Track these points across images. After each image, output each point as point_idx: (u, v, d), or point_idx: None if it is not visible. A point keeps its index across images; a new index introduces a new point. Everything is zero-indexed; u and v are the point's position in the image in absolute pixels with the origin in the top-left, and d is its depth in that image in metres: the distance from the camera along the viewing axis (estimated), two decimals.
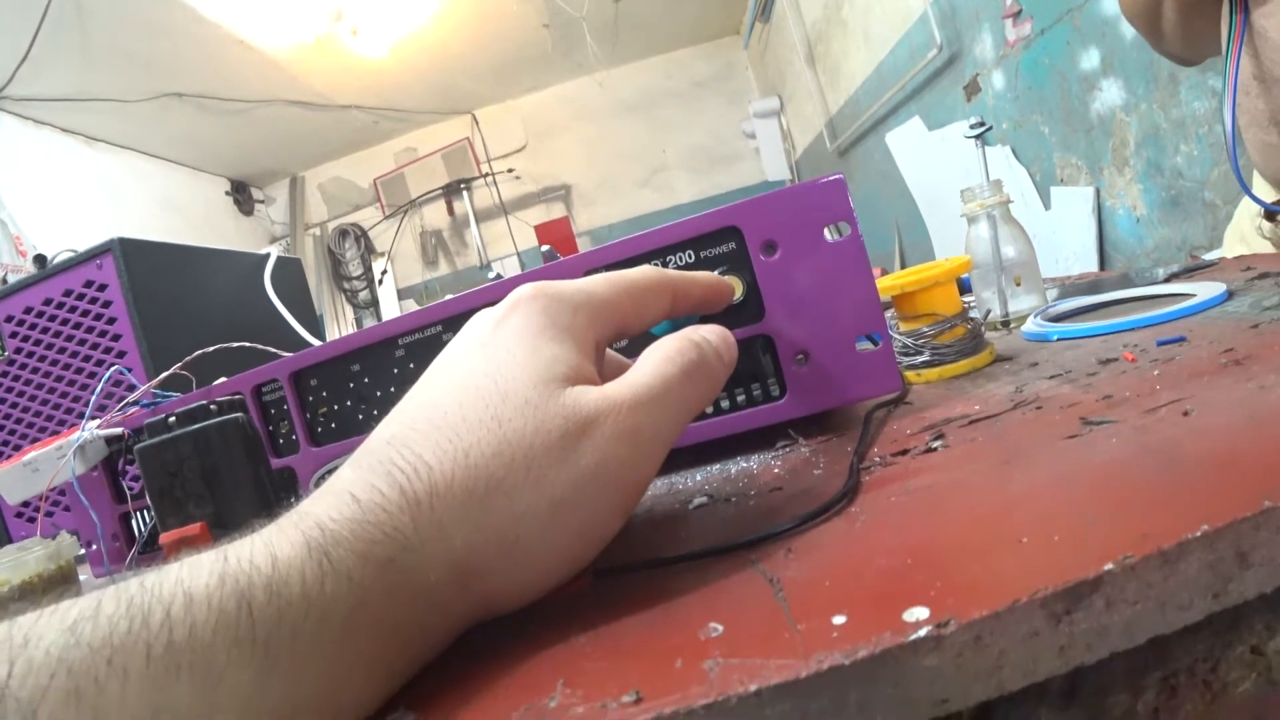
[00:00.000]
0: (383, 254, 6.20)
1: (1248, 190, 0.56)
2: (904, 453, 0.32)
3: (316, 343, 0.86)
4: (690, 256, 0.38)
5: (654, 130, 6.05)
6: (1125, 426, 0.27)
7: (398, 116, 5.66)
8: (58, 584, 0.49)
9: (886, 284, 0.45)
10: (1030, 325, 0.52)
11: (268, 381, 0.51)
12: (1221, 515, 0.18)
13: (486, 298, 0.42)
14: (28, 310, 0.98)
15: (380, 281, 6.10)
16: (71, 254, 1.07)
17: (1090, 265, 2.26)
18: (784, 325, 0.37)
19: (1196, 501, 0.19)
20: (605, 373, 0.29)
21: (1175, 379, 0.31)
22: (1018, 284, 0.57)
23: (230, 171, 5.83)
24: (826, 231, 0.36)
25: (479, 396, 0.26)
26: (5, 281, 3.55)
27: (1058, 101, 2.30)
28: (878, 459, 0.32)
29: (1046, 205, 2.45)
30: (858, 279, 0.36)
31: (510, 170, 6.06)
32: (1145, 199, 2.05)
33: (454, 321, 0.44)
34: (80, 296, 0.96)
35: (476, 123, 6.05)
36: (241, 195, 6.00)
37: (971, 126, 0.59)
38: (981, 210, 0.57)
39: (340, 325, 6.02)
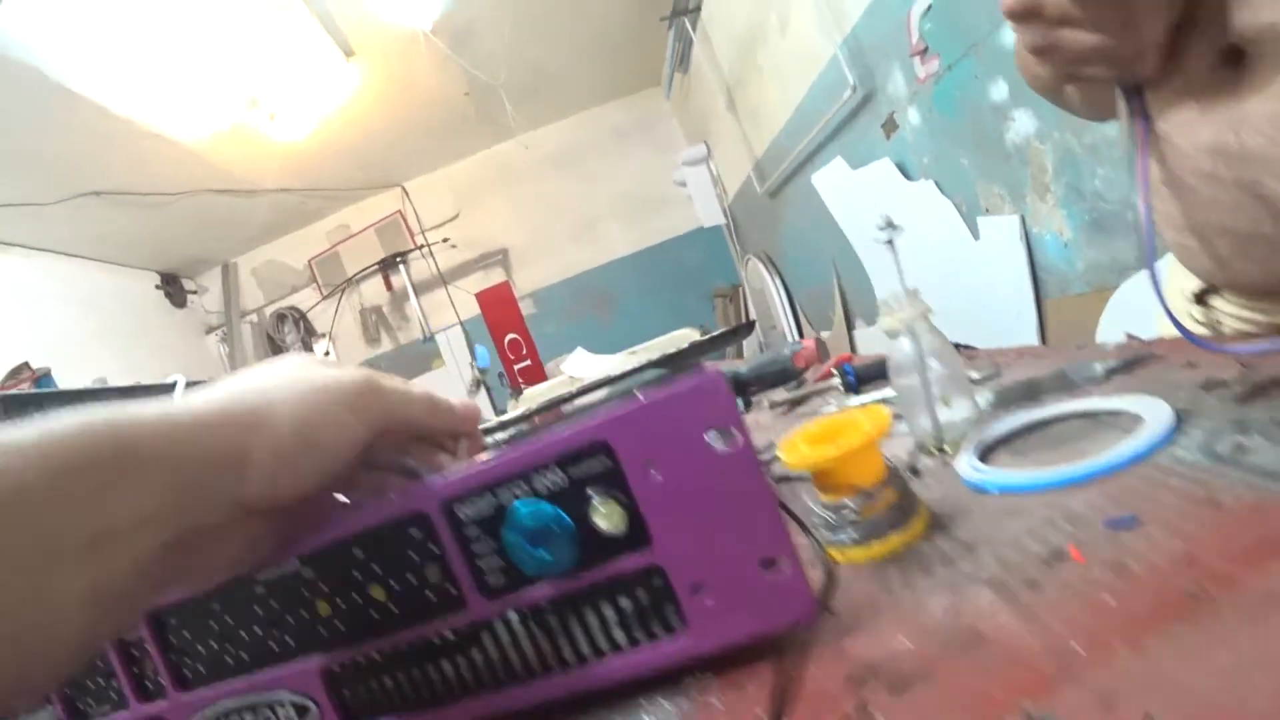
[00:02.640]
0: (323, 335, 6.07)
1: (1162, 301, 0.53)
2: None
3: None
4: (561, 479, 0.32)
5: (584, 185, 6.06)
6: None
7: (326, 195, 5.59)
8: None
9: (799, 460, 0.40)
10: (966, 466, 0.47)
11: None
12: None
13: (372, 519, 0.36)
14: None
15: None
16: None
17: (1024, 290, 2.27)
18: (674, 552, 0.32)
19: None
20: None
21: (1132, 621, 0.26)
22: (946, 404, 0.53)
23: (159, 264, 5.68)
24: (712, 439, 0.31)
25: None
26: None
27: (973, 133, 2.33)
28: None
29: (975, 235, 2.47)
30: (752, 493, 0.31)
31: (445, 239, 6.00)
32: (1070, 223, 2.07)
33: (312, 558, 0.37)
34: None
35: (407, 194, 6.00)
36: (173, 287, 5.84)
37: (880, 229, 0.54)
38: (901, 325, 0.53)
39: None
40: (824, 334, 4.20)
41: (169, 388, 1.12)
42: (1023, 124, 2.09)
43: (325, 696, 0.37)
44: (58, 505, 0.27)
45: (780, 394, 1.06)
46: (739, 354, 5.00)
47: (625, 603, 0.33)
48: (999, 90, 2.12)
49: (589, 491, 0.32)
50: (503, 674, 0.35)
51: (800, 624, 0.33)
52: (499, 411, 3.87)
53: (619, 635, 0.33)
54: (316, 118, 4.43)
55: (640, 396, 0.31)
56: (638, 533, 0.32)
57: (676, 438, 0.31)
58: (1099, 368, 0.57)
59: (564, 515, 0.32)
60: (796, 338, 4.59)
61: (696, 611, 0.32)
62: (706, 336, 2.80)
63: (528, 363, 5.48)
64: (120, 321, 5.09)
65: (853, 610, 0.35)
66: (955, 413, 0.54)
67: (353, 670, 0.37)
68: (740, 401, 1.15)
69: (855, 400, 0.83)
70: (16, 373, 3.85)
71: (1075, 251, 2.09)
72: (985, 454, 0.50)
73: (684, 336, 3.25)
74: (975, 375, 0.70)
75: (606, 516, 0.32)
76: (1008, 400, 0.60)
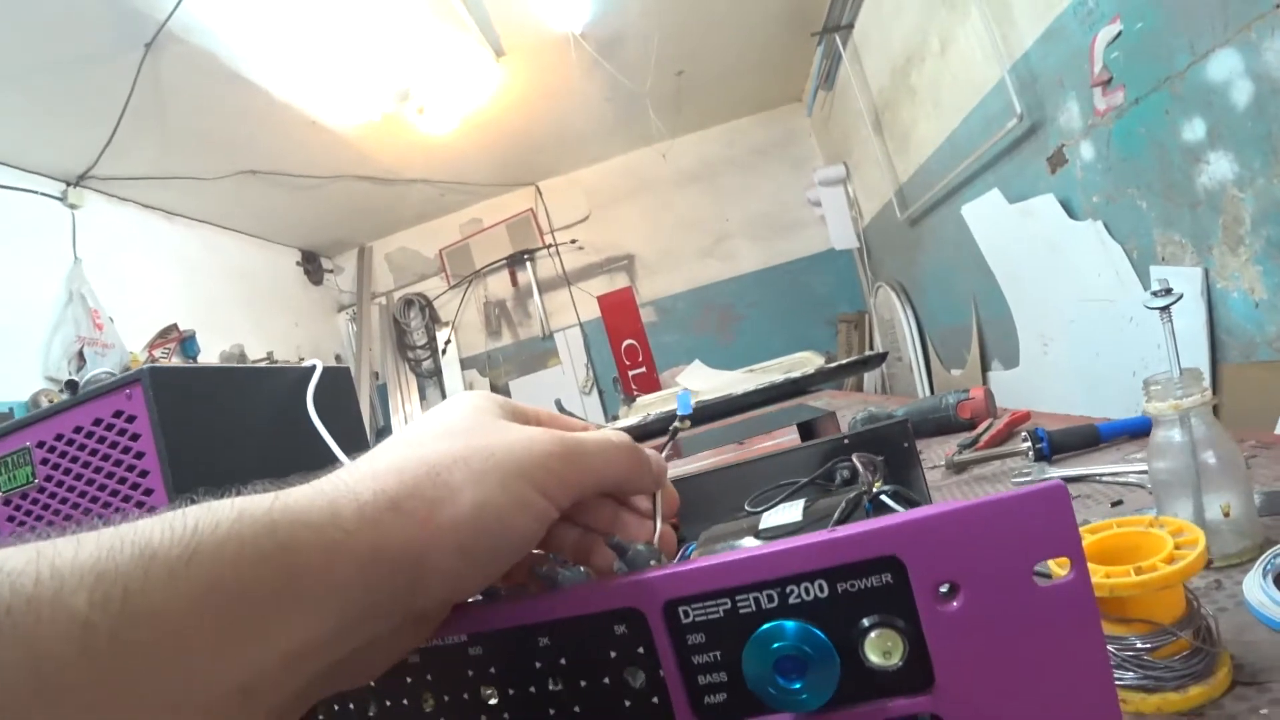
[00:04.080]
0: (447, 324, 6.23)
1: None
2: None
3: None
4: (822, 589, 0.26)
5: (716, 199, 6.00)
6: None
7: (463, 189, 5.74)
8: None
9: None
10: (1260, 594, 0.38)
11: None
12: None
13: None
14: (59, 437, 0.92)
15: (444, 351, 6.11)
16: (108, 376, 1.01)
17: (1200, 352, 2.06)
18: (963, 704, 0.25)
19: None
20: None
21: None
22: (1226, 514, 0.43)
23: (301, 242, 5.97)
24: (1040, 569, 0.24)
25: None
26: (82, 356, 3.64)
27: (1156, 174, 2.13)
28: None
29: (1145, 285, 2.26)
30: (1079, 643, 0.24)
31: (573, 241, 6.06)
32: (1265, 281, 1.86)
33: (485, 638, 0.32)
34: (109, 427, 0.90)
35: (540, 194, 6.09)
36: (311, 265, 6.13)
37: (1154, 294, 0.45)
38: (1175, 414, 0.44)
39: (404, 395, 6.03)
40: (955, 372, 3.99)
41: (307, 371, 1.12)
42: (1219, 168, 1.90)
43: None
44: (208, 646, 0.21)
45: (946, 446, 0.96)
46: (858, 385, 4.83)
47: None
48: (1194, 129, 1.93)
49: (860, 614, 0.25)
50: None
51: None
52: (610, 418, 3.86)
53: None
54: (462, 114, 4.54)
55: (946, 505, 0.24)
56: (919, 670, 0.25)
57: (991, 561, 0.24)
58: None
59: (826, 641, 0.25)
60: (925, 373, 4.38)
61: None
62: (833, 364, 2.70)
63: (643, 370, 5.46)
64: (262, 293, 5.37)
65: None
66: (1228, 519, 0.45)
67: None
68: None
69: (1052, 472, 0.73)
70: (166, 333, 4.11)
71: (1267, 314, 1.88)
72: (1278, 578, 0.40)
73: (806, 360, 3.14)
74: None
75: (882, 649, 0.25)
76: (1278, 507, 0.50)
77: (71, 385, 1.41)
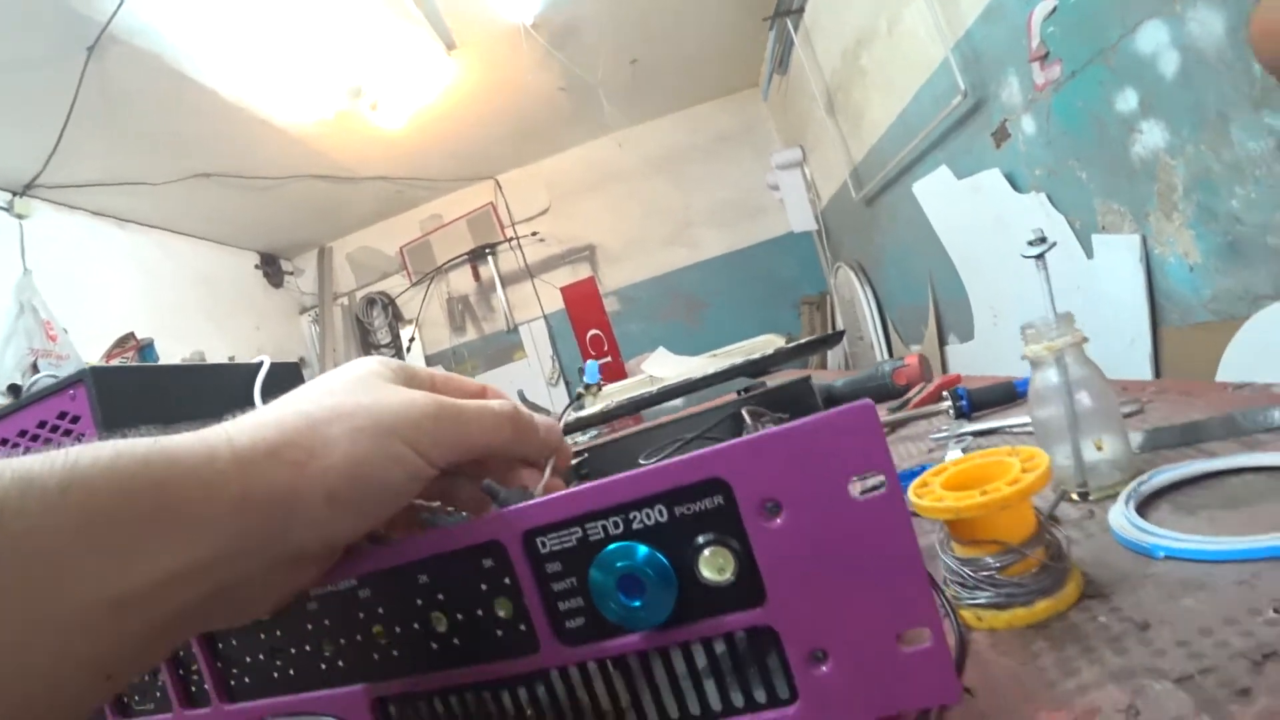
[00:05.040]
0: (410, 321, 6.19)
1: None
2: None
3: None
4: (662, 517, 0.27)
5: (677, 186, 6.01)
6: None
7: (421, 185, 5.70)
8: None
9: (937, 507, 0.34)
10: (1121, 519, 0.40)
11: None
12: None
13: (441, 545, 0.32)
14: (3, 442, 0.92)
15: (408, 349, 6.08)
16: (53, 380, 1.00)
17: (1140, 318, 2.12)
18: (793, 614, 0.27)
19: None
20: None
21: None
22: (1099, 449, 0.46)
23: (259, 245, 5.90)
24: (853, 484, 0.26)
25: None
26: (36, 368, 3.57)
27: (1095, 145, 2.18)
28: None
29: (1089, 254, 2.32)
30: (897, 551, 0.25)
31: (534, 233, 6.05)
32: (1199, 245, 1.91)
33: (371, 579, 0.34)
34: (54, 429, 0.90)
35: (499, 187, 6.07)
36: (271, 268, 6.05)
37: (1030, 244, 0.48)
38: (1050, 354, 0.46)
39: None
40: (914, 348, 4.05)
41: (255, 368, 1.12)
42: (1152, 137, 1.95)
43: None
44: (79, 564, 0.23)
45: (880, 411, 0.99)
46: (822, 364, 4.88)
47: (727, 665, 0.28)
48: (1127, 100, 1.98)
49: (696, 535, 0.27)
50: None
51: (936, 708, 0.27)
52: (576, 407, 3.86)
53: (714, 701, 0.28)
54: (416, 109, 4.51)
55: (767, 426, 0.26)
56: (750, 587, 0.27)
57: (809, 478, 0.26)
58: (1278, 415, 0.49)
59: (664, 560, 0.27)
60: (885, 350, 4.44)
61: (812, 683, 0.27)
62: (792, 344, 2.73)
63: (608, 359, 5.46)
64: (221, 298, 5.30)
65: (993, 691, 0.30)
66: (1104, 455, 0.47)
67: (405, 703, 0.34)
68: None
69: (969, 428, 0.76)
70: (123, 342, 4.05)
71: (1202, 277, 1.93)
72: (1141, 507, 0.43)
73: (768, 342, 3.16)
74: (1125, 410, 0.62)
75: (715, 565, 0.27)
76: (1159, 443, 0.52)
77: (14, 389, 1.40)
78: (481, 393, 0.41)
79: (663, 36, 4.60)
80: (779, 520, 0.26)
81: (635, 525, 0.28)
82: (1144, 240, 2.10)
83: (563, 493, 0.29)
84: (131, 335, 4.11)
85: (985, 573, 0.35)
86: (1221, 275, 1.87)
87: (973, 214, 2.92)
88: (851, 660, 0.26)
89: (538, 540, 0.29)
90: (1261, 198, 1.70)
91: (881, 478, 0.25)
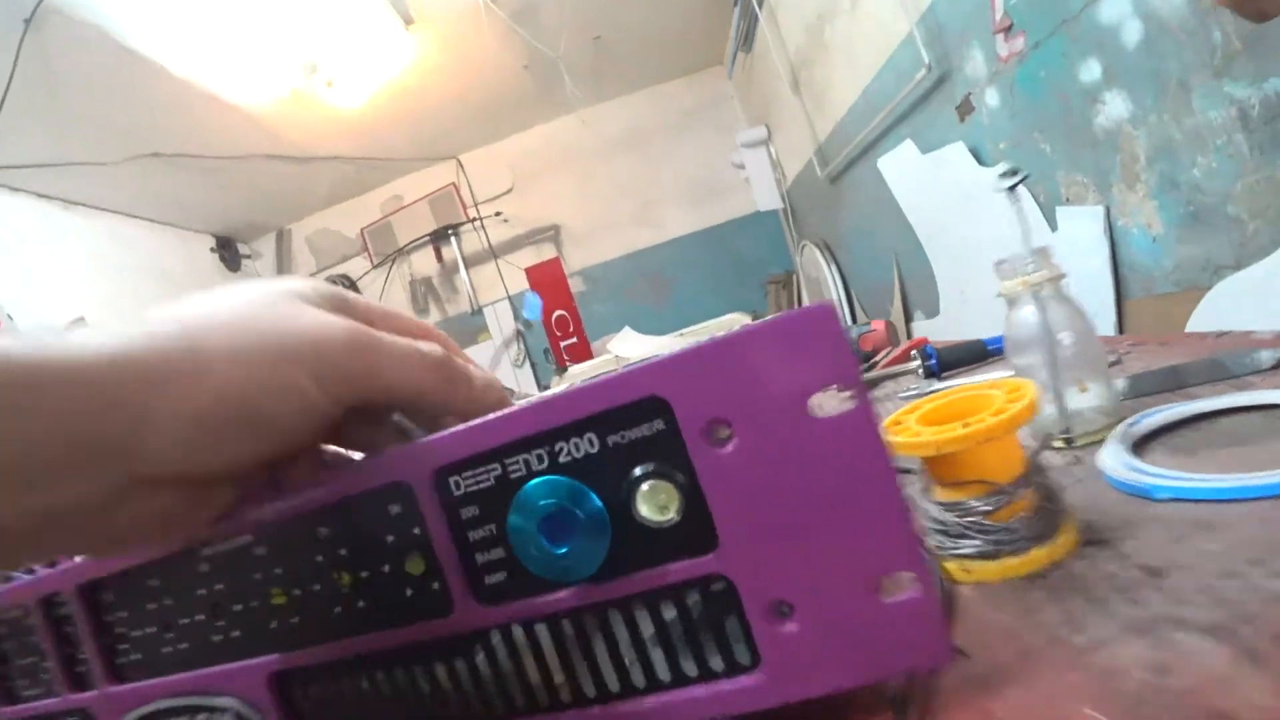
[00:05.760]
0: None
1: None
2: None
3: None
4: (593, 447, 0.23)
5: (643, 165, 5.95)
6: None
7: (381, 165, 5.58)
8: None
9: (913, 443, 0.30)
10: (1113, 461, 0.36)
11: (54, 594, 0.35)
12: None
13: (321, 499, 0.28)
14: None
15: None
16: None
17: (1105, 289, 2.11)
18: (750, 559, 0.22)
19: None
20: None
21: None
22: (1082, 390, 0.42)
23: (215, 228, 5.73)
24: (815, 400, 0.21)
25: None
26: None
27: (1059, 117, 2.17)
28: None
29: (1053, 226, 2.31)
30: (870, 480, 0.21)
31: (498, 213, 5.95)
32: (1161, 216, 1.91)
33: (267, 533, 0.29)
34: None
35: (461, 167, 5.96)
36: (228, 252, 5.90)
37: (1001, 175, 0.44)
38: (1026, 290, 0.42)
39: None
40: None
41: None
42: (1114, 107, 1.93)
43: (274, 705, 0.29)
44: None
45: None
46: None
47: (674, 625, 0.24)
48: (1090, 70, 1.96)
49: (632, 467, 0.23)
50: (499, 704, 0.26)
51: (924, 671, 0.23)
52: (542, 389, 3.81)
53: (661, 670, 0.24)
54: (374, 86, 4.40)
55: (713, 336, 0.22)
56: (698, 528, 0.22)
57: (763, 395, 0.21)
58: (1265, 356, 0.46)
59: (593, 497, 0.22)
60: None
61: (775, 643, 0.23)
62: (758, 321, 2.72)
63: (574, 340, 5.41)
64: (176, 283, 5.15)
65: (989, 651, 0.26)
66: (1088, 399, 0.44)
67: (308, 676, 0.29)
68: None
69: (938, 386, 0.72)
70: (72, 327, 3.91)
71: (1165, 247, 1.93)
72: (1135, 450, 0.39)
73: (734, 321, 3.14)
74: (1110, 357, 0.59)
75: (656, 503, 0.22)
76: (1144, 389, 0.49)
77: None
78: (422, 333, 0.35)
79: (626, 13, 4.52)
80: (729, 447, 0.22)
81: (562, 458, 0.23)
82: (1107, 211, 2.10)
83: (476, 421, 0.24)
84: (81, 320, 3.97)
85: (971, 518, 0.31)
86: (1184, 245, 1.87)
87: (937, 188, 2.91)
88: (821, 614, 0.22)
89: (450, 480, 0.25)
90: (1222, 167, 1.70)
91: (849, 392, 0.21)
